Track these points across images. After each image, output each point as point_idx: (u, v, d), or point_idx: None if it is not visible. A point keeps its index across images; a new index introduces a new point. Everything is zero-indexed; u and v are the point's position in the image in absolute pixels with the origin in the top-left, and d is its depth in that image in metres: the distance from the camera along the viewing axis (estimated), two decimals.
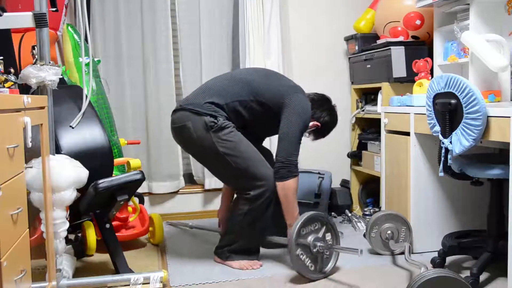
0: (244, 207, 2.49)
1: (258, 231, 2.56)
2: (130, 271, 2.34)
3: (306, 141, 3.62)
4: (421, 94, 2.67)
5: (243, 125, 2.59)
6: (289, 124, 2.48)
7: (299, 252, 2.34)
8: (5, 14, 1.98)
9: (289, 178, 2.45)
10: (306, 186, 3.31)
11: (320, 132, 2.78)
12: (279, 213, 2.59)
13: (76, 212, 2.35)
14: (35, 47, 2.04)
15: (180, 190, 3.61)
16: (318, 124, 2.71)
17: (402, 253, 2.60)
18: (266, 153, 2.75)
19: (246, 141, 2.51)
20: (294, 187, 2.47)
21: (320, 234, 2.42)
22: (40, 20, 1.96)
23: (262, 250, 2.78)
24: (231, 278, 2.40)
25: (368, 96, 3.52)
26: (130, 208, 2.94)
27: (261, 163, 2.50)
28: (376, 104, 3.29)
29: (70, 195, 2.04)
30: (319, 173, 3.40)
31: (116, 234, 2.49)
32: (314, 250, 2.36)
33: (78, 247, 2.65)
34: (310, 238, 2.37)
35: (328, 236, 2.46)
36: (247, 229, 2.52)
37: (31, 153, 1.76)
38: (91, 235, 2.63)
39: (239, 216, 2.51)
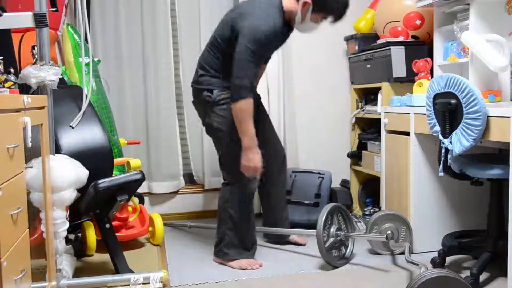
0: (225, 194, 2.58)
1: (244, 218, 2.56)
2: (130, 271, 2.34)
3: (306, 140, 3.65)
4: (421, 94, 2.67)
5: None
6: (238, 48, 2.38)
7: (328, 244, 2.49)
8: (5, 14, 1.98)
9: (238, 101, 2.37)
10: (306, 186, 3.32)
11: (336, 19, 2.50)
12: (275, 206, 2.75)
13: (76, 212, 2.35)
14: (35, 47, 2.04)
15: (180, 190, 3.61)
16: (326, 15, 2.48)
17: (402, 253, 2.60)
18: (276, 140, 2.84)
19: None
20: (243, 109, 2.37)
21: (339, 224, 2.61)
22: (40, 20, 1.96)
23: (262, 249, 2.78)
24: (231, 278, 2.40)
25: (368, 96, 3.52)
26: (130, 208, 2.94)
27: None
28: (376, 104, 3.29)
29: (70, 195, 2.04)
30: (319, 173, 3.40)
31: (116, 234, 2.49)
32: (337, 239, 2.54)
33: (78, 247, 2.65)
34: (333, 229, 2.54)
35: (345, 225, 2.65)
36: (233, 215, 2.55)
37: (31, 153, 1.76)
38: (91, 235, 2.63)
39: (224, 203, 2.58)
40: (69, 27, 2.92)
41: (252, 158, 2.43)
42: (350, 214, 2.73)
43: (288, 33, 2.59)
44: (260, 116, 2.76)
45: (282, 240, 2.91)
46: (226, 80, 2.49)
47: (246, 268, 2.50)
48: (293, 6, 2.47)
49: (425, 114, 2.40)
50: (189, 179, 3.71)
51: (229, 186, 2.58)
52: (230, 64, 2.40)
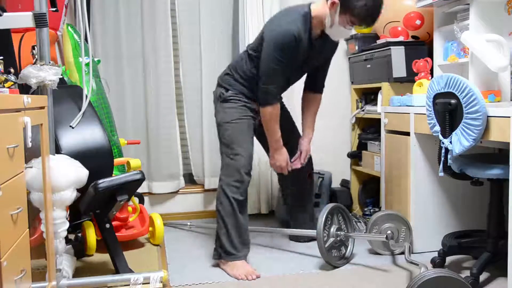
0: (217, 192, 2.58)
1: (231, 217, 2.52)
2: (130, 271, 2.34)
3: None
4: (421, 94, 2.67)
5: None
6: (263, 55, 2.48)
7: (328, 244, 2.50)
8: (5, 14, 1.98)
9: (265, 106, 2.53)
10: None
11: (360, 23, 2.41)
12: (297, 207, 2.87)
13: (76, 212, 2.35)
14: (35, 47, 2.04)
15: (180, 190, 3.61)
16: (353, 19, 2.38)
17: (402, 253, 2.60)
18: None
19: (245, 122, 2.59)
20: (269, 113, 2.53)
21: (339, 224, 2.62)
22: (40, 20, 1.96)
23: (263, 249, 2.78)
24: (230, 279, 2.40)
25: (368, 96, 3.52)
26: (130, 208, 2.94)
27: (240, 149, 2.55)
28: (376, 104, 3.29)
29: (70, 195, 2.04)
30: (319, 173, 3.40)
31: (116, 234, 2.49)
32: (337, 239, 2.55)
33: (78, 247, 2.65)
34: (333, 229, 2.55)
35: (345, 225, 2.66)
36: (221, 213, 2.53)
37: (31, 153, 1.76)
38: (91, 235, 2.63)
39: (216, 200, 2.58)
40: (69, 27, 2.92)
41: (278, 159, 2.66)
42: (350, 214, 2.73)
43: (318, 40, 2.54)
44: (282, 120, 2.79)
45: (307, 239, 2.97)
46: (249, 90, 2.60)
47: (241, 278, 2.40)
48: (322, 10, 2.45)
49: (425, 114, 2.40)
50: (189, 179, 3.71)
51: (220, 183, 2.58)
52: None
